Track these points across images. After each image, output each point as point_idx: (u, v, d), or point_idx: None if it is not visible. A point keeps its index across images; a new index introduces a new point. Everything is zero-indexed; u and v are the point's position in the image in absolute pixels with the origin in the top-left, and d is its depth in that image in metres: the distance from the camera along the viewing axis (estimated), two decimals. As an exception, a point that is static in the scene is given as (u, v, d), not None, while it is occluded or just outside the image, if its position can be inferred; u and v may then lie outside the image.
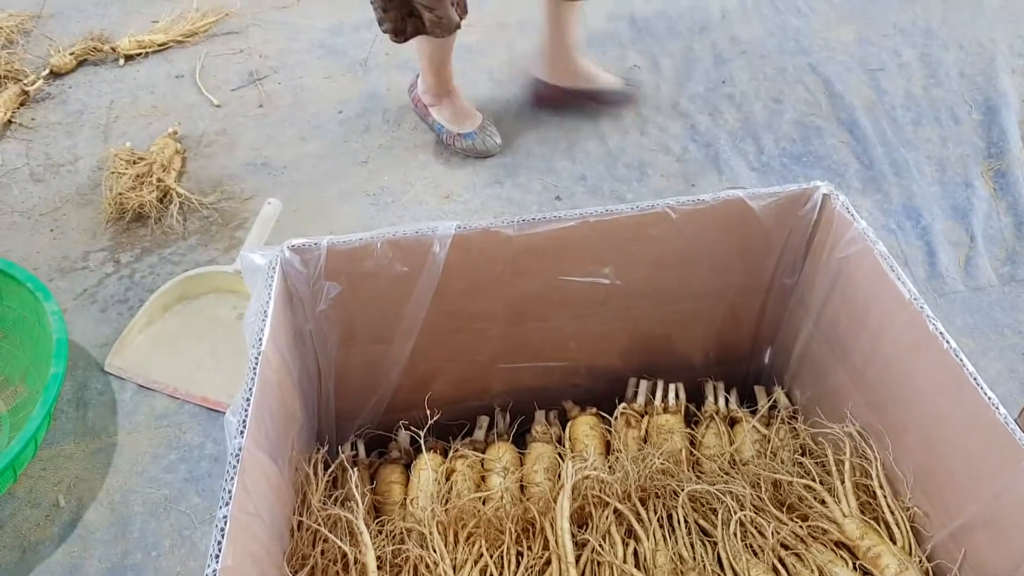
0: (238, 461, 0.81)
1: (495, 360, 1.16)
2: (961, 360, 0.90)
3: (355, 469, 1.08)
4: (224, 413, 1.54)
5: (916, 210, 1.90)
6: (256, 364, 0.89)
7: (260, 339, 0.91)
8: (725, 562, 0.97)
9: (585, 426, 1.14)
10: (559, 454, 1.12)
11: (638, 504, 1.01)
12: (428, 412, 1.10)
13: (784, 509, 1.03)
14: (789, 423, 1.16)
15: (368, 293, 1.05)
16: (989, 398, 0.87)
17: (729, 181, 2.00)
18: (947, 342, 0.92)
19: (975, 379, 0.88)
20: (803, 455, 1.10)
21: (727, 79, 2.22)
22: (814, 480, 1.04)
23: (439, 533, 0.97)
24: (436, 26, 1.77)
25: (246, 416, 0.85)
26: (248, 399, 0.86)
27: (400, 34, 1.82)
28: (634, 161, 2.05)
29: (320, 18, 2.42)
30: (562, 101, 2.03)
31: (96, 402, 1.59)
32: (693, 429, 1.17)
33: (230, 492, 0.79)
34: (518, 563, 0.97)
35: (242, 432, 0.83)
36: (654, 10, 2.43)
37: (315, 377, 1.10)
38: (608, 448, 1.14)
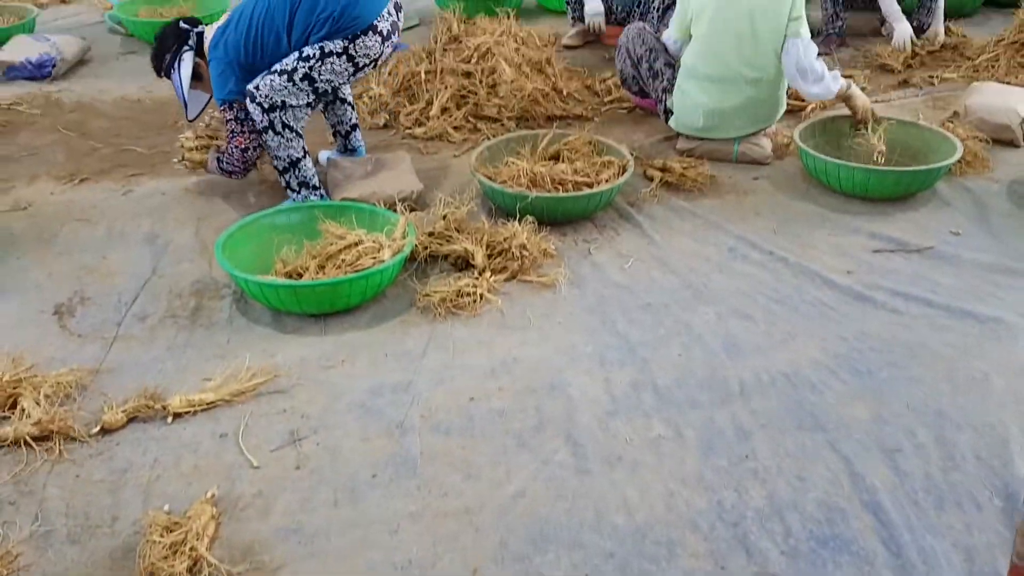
0: None
1: None
2: None
3: None
4: None
5: (951, 608, 1.88)
6: None
7: None
8: None
9: None
10: None
11: None
12: None
13: None
14: None
15: None
16: None
17: (758, 565, 2.00)
18: None
19: None
20: None
21: (749, 453, 2.30)
22: None
23: None
24: None
25: None
26: None
27: None
28: (662, 538, 2.07)
29: (362, 378, 2.57)
30: None
31: None
32: None
33: None
34: None
35: None
36: (675, 379, 2.57)
37: None
38: None
